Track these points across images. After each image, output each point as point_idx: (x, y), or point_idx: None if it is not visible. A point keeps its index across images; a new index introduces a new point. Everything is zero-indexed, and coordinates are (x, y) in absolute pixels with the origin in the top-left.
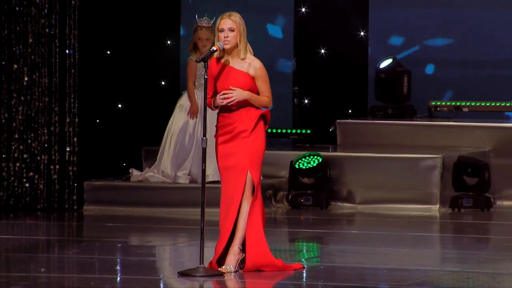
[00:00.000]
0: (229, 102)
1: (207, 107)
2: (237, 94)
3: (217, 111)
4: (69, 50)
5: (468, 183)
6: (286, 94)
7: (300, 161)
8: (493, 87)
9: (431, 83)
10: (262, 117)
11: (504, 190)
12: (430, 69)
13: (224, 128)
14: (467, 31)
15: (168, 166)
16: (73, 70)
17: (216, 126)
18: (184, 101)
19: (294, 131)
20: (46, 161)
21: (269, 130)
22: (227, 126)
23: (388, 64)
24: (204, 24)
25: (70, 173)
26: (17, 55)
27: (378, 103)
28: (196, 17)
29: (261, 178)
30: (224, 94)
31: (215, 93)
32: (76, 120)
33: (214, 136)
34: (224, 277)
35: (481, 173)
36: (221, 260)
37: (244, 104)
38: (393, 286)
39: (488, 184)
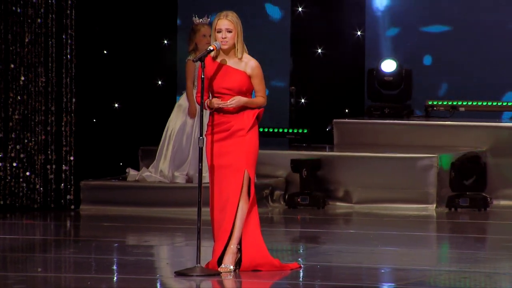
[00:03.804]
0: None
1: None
2: (236, 103)
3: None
4: (65, 50)
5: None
6: (283, 93)
7: None
8: (490, 87)
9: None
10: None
11: (501, 190)
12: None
13: (220, 126)
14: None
15: (166, 167)
16: (69, 70)
17: (208, 125)
18: (183, 101)
19: (290, 130)
20: (42, 161)
21: (266, 130)
22: (223, 124)
23: (395, 69)
24: (204, 22)
25: (67, 172)
26: (13, 55)
27: (376, 102)
28: (196, 17)
29: (255, 178)
30: (222, 103)
31: (212, 92)
32: (73, 119)
33: (206, 134)
34: (221, 276)
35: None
36: (220, 260)
37: (241, 106)
38: (390, 285)
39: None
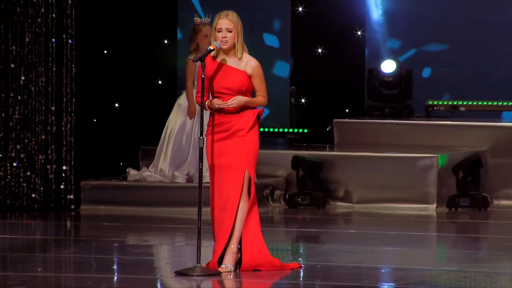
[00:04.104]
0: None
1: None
2: (236, 102)
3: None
4: (65, 50)
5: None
6: (283, 93)
7: None
8: (490, 87)
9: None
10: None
11: (501, 190)
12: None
13: (220, 126)
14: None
15: (166, 166)
16: (69, 70)
17: (208, 125)
18: (182, 100)
19: (291, 130)
20: (43, 161)
21: (266, 129)
22: (223, 124)
23: (395, 70)
24: (206, 22)
25: (67, 172)
26: (13, 55)
27: (376, 102)
28: (196, 16)
29: (256, 177)
30: (223, 104)
31: (212, 92)
32: (73, 119)
33: (206, 134)
34: (221, 276)
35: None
36: (220, 260)
37: (242, 106)
38: (390, 285)
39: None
